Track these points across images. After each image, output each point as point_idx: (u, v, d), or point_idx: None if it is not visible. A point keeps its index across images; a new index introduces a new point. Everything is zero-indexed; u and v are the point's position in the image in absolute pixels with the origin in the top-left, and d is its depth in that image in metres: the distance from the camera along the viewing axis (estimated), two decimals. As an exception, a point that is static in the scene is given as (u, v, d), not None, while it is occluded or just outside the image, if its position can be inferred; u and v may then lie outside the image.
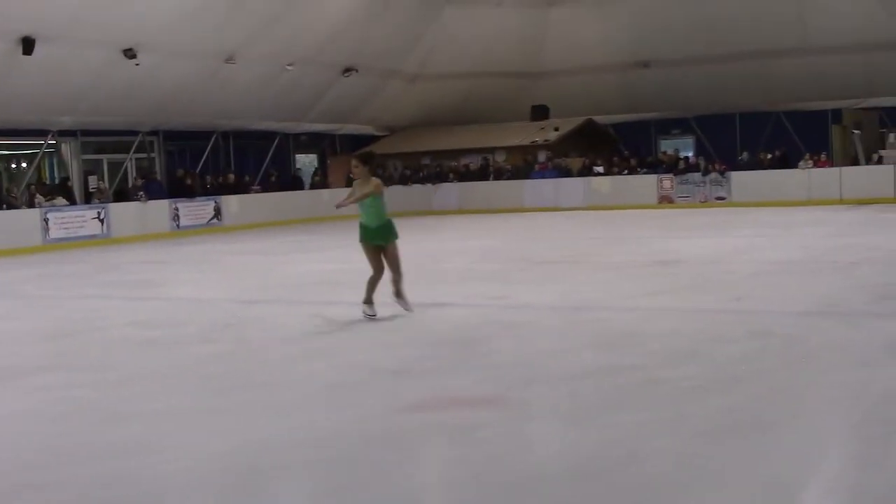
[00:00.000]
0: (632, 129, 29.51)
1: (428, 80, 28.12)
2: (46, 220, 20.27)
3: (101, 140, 24.60)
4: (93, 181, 23.55)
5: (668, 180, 25.89)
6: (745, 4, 24.65)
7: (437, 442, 5.13)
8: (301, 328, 8.81)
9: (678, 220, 20.96)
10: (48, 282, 14.17)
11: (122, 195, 23.19)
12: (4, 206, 20.40)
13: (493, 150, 28.76)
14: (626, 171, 26.79)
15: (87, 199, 22.78)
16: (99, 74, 20.39)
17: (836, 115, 26.51)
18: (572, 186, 26.75)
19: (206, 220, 23.87)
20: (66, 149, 23.76)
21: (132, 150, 24.60)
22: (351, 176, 9.99)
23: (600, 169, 27.00)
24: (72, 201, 21.80)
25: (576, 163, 27.62)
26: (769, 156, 25.74)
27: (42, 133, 22.20)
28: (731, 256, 13.33)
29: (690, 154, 27.89)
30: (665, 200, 25.77)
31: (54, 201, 21.08)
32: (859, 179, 23.99)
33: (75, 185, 23.20)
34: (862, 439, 4.87)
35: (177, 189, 24.05)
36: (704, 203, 25.20)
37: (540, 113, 29.06)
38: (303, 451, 4.98)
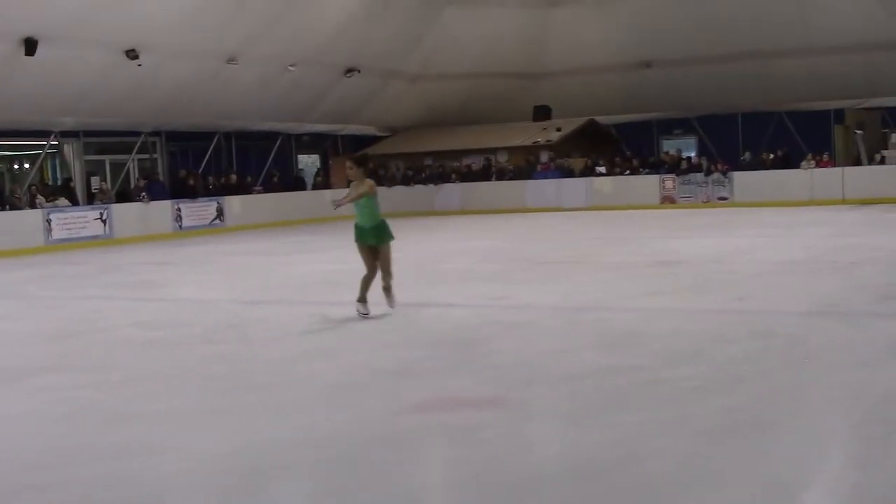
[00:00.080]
0: (634, 129, 29.48)
1: (430, 80, 28.12)
2: (49, 221, 20.30)
3: (103, 141, 24.63)
4: (95, 182, 23.57)
5: (670, 180, 25.87)
6: (748, 4, 24.62)
7: (437, 442, 5.13)
8: (303, 329, 8.82)
9: (680, 221, 20.95)
10: (51, 282, 14.19)
11: (124, 196, 23.22)
12: (7, 206, 20.43)
13: (495, 150, 28.75)
14: (628, 172, 26.77)
15: (90, 199, 22.81)
16: (101, 75, 20.40)
17: (839, 115, 26.49)
18: (574, 187, 26.75)
19: (208, 221, 23.89)
20: (69, 149, 23.79)
21: (134, 151, 24.61)
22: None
23: (602, 169, 26.99)
24: (74, 202, 21.82)
25: (578, 163, 27.61)
26: (771, 156, 25.71)
27: (44, 134, 22.22)
28: (733, 257, 13.33)
29: (693, 154, 27.86)
30: (667, 201, 25.75)
31: (56, 202, 21.11)
32: (862, 179, 23.97)
33: (78, 185, 23.23)
34: (863, 439, 4.87)
35: (179, 190, 24.07)
36: (706, 203, 25.19)
37: (542, 113, 29.05)
38: (304, 452, 4.99)
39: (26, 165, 24.60)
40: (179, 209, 23.26)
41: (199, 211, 23.75)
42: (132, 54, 20.04)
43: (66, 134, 22.87)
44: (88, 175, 23.93)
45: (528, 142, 28.31)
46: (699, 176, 25.57)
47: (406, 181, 28.68)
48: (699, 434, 5.00)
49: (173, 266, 16.05)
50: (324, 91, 26.19)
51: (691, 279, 11.12)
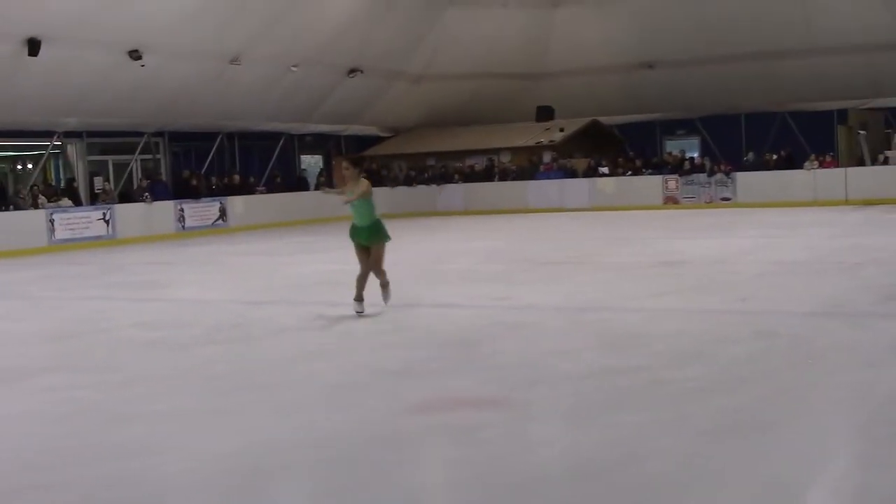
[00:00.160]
0: (637, 129, 29.46)
1: (432, 80, 28.12)
2: (52, 221, 20.31)
3: (106, 141, 24.64)
4: (98, 182, 23.59)
5: (673, 181, 25.85)
6: (750, 5, 24.60)
7: (440, 443, 5.12)
8: (305, 329, 8.82)
9: (683, 221, 20.93)
10: (53, 283, 14.20)
11: (127, 196, 23.23)
12: (12, 207, 20.46)
13: (497, 150, 28.75)
14: (630, 172, 26.76)
15: (93, 200, 22.83)
16: (104, 76, 20.42)
17: (842, 115, 26.47)
18: (577, 187, 26.73)
19: (211, 221, 23.90)
20: (72, 150, 23.81)
21: (137, 152, 24.62)
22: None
23: (605, 170, 26.96)
24: (77, 202, 21.84)
25: (581, 163, 27.59)
26: (775, 156, 25.67)
27: (48, 134, 22.24)
28: (736, 257, 13.31)
29: (695, 155, 27.84)
30: (670, 201, 25.73)
31: (59, 202, 21.13)
32: (865, 180, 23.93)
33: (81, 186, 23.24)
34: (867, 440, 4.86)
35: (182, 190, 24.09)
36: (709, 204, 25.16)
37: (545, 114, 29.04)
38: (305, 452, 4.98)
39: (30, 166, 24.63)
40: (182, 209, 23.27)
41: (201, 211, 23.76)
42: (135, 55, 20.05)
43: (69, 134, 22.89)
44: (91, 175, 23.94)
45: (530, 142, 28.30)
46: (702, 176, 25.54)
47: (409, 182, 28.68)
48: (701, 434, 4.98)
49: (176, 266, 16.06)
50: (326, 91, 26.20)
51: (694, 280, 11.10)
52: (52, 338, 9.05)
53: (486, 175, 28.28)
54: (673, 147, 29.16)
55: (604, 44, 26.88)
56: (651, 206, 25.38)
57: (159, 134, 25.10)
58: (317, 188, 27.92)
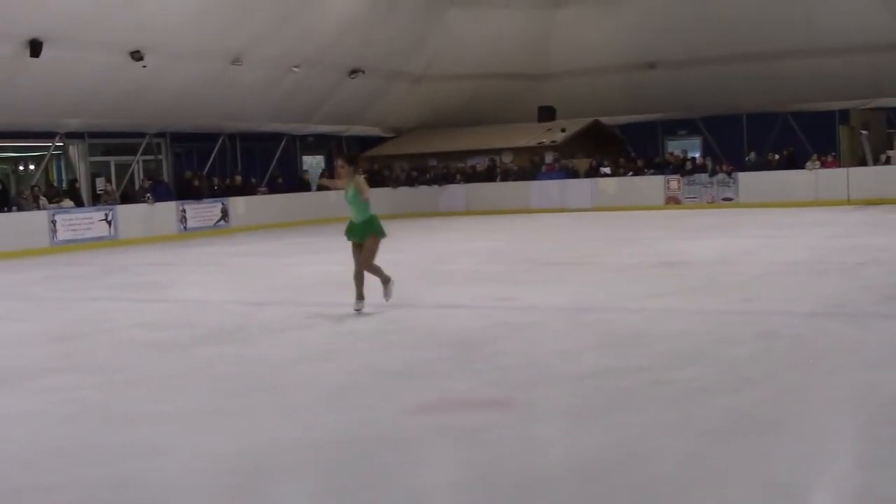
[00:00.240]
0: (638, 130, 29.46)
1: (434, 81, 28.13)
2: (54, 222, 20.33)
3: (108, 142, 24.67)
4: (100, 183, 23.61)
5: (674, 181, 25.85)
6: (752, 5, 24.59)
7: (443, 444, 5.13)
8: (307, 330, 8.83)
9: (685, 221, 20.92)
10: (56, 283, 14.20)
11: (129, 197, 23.25)
12: (14, 207, 20.48)
13: (499, 151, 28.76)
14: (632, 173, 26.76)
15: (95, 200, 22.84)
16: (106, 77, 20.44)
17: (844, 115, 26.45)
18: (579, 187, 26.73)
19: (213, 222, 23.92)
20: (74, 151, 23.83)
21: (139, 152, 24.64)
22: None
23: (607, 170, 26.97)
24: (79, 203, 21.85)
25: (582, 164, 27.59)
26: (776, 156, 25.68)
27: (50, 135, 22.26)
28: (738, 257, 13.31)
29: (697, 155, 27.84)
30: (672, 201, 25.73)
31: (61, 203, 21.14)
32: (867, 180, 23.92)
33: (83, 187, 23.26)
34: (869, 440, 4.86)
35: (184, 191, 24.11)
36: (711, 204, 25.16)
37: (546, 114, 29.04)
38: (309, 453, 4.99)
39: (31, 167, 24.65)
40: (184, 210, 23.29)
41: (203, 212, 23.78)
42: (137, 56, 20.07)
43: (71, 135, 22.91)
44: (93, 176, 23.97)
45: (532, 142, 28.30)
46: (704, 177, 25.54)
47: (410, 182, 28.68)
48: (703, 435, 4.99)
49: (178, 267, 16.07)
50: (328, 92, 26.20)
51: (696, 280, 11.10)
52: (55, 338, 9.06)
53: (488, 175, 28.28)
54: (675, 147, 29.16)
55: (605, 44, 26.87)
56: (653, 206, 25.37)
57: (161, 135, 25.12)
58: (319, 189, 27.97)
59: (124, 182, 24.33)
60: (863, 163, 25.07)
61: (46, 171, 23.86)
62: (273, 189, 26.40)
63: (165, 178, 24.97)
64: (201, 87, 22.71)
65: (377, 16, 24.02)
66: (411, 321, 8.96)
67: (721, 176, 25.33)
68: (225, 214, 24.28)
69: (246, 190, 25.44)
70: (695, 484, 4.30)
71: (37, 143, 23.15)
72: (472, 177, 28.38)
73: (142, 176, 24.63)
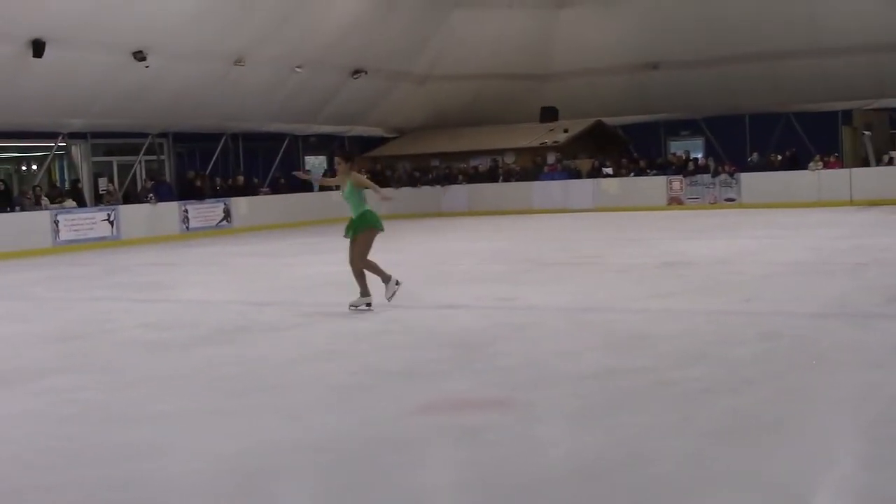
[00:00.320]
0: (641, 130, 29.46)
1: (437, 81, 28.14)
2: (56, 223, 20.34)
3: (110, 142, 24.69)
4: (103, 183, 23.63)
5: (677, 182, 25.83)
6: (755, 5, 24.58)
7: (444, 444, 5.12)
8: (309, 330, 8.82)
9: (687, 222, 20.91)
10: (58, 284, 14.21)
11: (131, 197, 23.25)
12: (17, 208, 20.50)
13: (502, 151, 28.75)
14: (634, 173, 26.75)
15: (97, 201, 22.86)
16: (109, 77, 20.46)
17: (847, 116, 26.43)
18: (581, 188, 26.72)
19: (215, 222, 23.93)
20: (76, 151, 23.86)
21: (142, 153, 24.67)
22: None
23: (609, 170, 26.96)
24: (81, 203, 21.87)
25: (585, 164, 27.58)
26: (779, 157, 25.66)
27: (52, 135, 22.29)
28: (740, 258, 13.29)
29: (700, 155, 27.83)
30: (674, 202, 25.71)
31: (63, 203, 21.16)
32: (869, 181, 23.90)
33: (85, 187, 23.28)
34: (871, 441, 4.84)
35: (186, 191, 24.12)
36: (714, 204, 25.14)
37: (549, 114, 29.04)
38: (310, 454, 4.98)
39: (34, 167, 24.68)
40: (186, 210, 23.30)
41: (206, 212, 23.79)
42: (140, 56, 20.09)
43: (73, 135, 22.94)
44: (96, 176, 23.99)
45: (534, 143, 28.29)
46: (706, 177, 25.52)
47: (413, 182, 28.68)
48: (706, 435, 4.97)
49: (180, 267, 16.07)
50: (331, 92, 26.21)
51: (699, 280, 11.09)
52: (57, 338, 9.06)
53: (491, 176, 28.28)
54: (677, 148, 29.15)
55: (608, 44, 26.87)
56: (655, 206, 25.36)
57: (163, 135, 25.14)
58: (321, 189, 27.97)
59: (127, 182, 24.35)
60: (865, 163, 25.04)
61: (49, 171, 23.89)
62: (275, 189, 26.40)
63: (168, 178, 24.99)
64: (204, 88, 22.72)
65: (379, 16, 24.03)
66: (412, 321, 8.95)
67: (723, 176, 25.31)
68: (227, 215, 24.29)
69: (248, 190, 25.46)
70: (696, 484, 4.29)
71: (39, 144, 23.19)
72: (474, 177, 28.38)
73: (144, 176, 24.66)
